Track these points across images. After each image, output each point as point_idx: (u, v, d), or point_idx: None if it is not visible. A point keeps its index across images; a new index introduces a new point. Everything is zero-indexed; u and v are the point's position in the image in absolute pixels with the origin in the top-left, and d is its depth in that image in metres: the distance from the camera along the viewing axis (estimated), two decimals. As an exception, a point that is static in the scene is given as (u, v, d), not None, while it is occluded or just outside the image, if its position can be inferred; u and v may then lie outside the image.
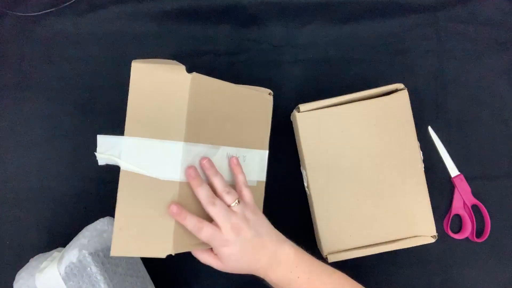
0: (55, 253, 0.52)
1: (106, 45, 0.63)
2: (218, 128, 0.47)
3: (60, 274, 0.45)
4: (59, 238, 0.60)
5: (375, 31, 0.64)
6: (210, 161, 0.46)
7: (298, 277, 0.44)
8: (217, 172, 0.46)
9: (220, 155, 0.48)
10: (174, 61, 0.45)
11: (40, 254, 0.54)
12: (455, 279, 0.61)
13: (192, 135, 0.44)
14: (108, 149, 0.43)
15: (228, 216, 0.43)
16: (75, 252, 0.46)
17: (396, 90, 0.56)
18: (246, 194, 0.47)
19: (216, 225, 0.43)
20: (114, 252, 0.42)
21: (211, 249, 0.46)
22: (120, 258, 0.50)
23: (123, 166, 0.43)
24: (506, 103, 0.64)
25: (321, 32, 0.64)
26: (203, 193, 0.44)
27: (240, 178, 0.48)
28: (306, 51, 0.64)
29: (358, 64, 0.64)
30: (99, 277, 0.45)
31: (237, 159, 0.49)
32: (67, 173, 0.61)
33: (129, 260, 0.52)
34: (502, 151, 0.63)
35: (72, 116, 0.62)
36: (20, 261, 0.59)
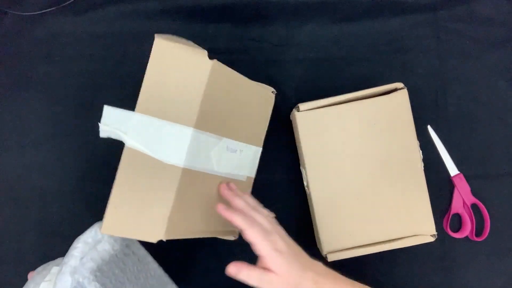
0: (54, 269, 0.45)
1: (106, 44, 0.63)
2: (225, 119, 0.47)
3: None
4: (59, 238, 0.60)
5: (375, 31, 0.65)
6: (233, 184, 0.50)
7: None
8: (243, 193, 0.49)
9: (222, 147, 0.48)
10: (195, 45, 0.44)
11: (44, 265, 0.48)
12: (455, 278, 0.61)
13: (202, 123, 0.43)
14: (114, 122, 0.41)
15: (273, 223, 0.45)
16: (67, 278, 0.39)
17: (395, 89, 0.56)
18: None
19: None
20: (104, 230, 0.42)
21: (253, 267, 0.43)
22: (124, 271, 0.45)
23: (129, 143, 0.41)
24: (505, 103, 0.64)
25: (321, 31, 0.64)
26: (241, 202, 0.46)
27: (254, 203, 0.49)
28: (306, 50, 0.64)
29: (358, 63, 0.64)
30: None
31: (229, 185, 0.50)
32: (67, 173, 0.61)
33: (136, 268, 0.47)
34: (501, 150, 0.63)
35: (72, 115, 0.62)
36: (20, 261, 0.60)
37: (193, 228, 0.46)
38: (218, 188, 0.48)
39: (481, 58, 0.65)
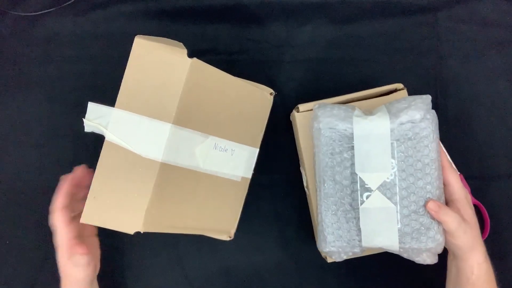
0: None
1: (106, 44, 0.63)
2: (211, 117, 0.48)
3: None
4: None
5: (375, 31, 0.64)
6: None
7: None
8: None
9: (208, 145, 0.48)
10: (180, 43, 0.45)
11: None
12: (455, 279, 0.61)
13: (182, 119, 0.44)
14: (96, 117, 0.44)
15: None
16: None
17: (395, 90, 0.56)
18: None
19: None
20: (83, 219, 0.43)
21: None
22: None
23: (108, 137, 0.43)
24: (506, 103, 0.64)
25: (321, 32, 0.64)
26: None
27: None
28: (306, 51, 0.64)
29: (357, 64, 0.64)
30: None
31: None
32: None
33: None
34: (501, 151, 0.63)
35: (72, 116, 0.62)
36: (20, 261, 0.60)
37: (176, 223, 0.47)
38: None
39: (481, 58, 0.65)
